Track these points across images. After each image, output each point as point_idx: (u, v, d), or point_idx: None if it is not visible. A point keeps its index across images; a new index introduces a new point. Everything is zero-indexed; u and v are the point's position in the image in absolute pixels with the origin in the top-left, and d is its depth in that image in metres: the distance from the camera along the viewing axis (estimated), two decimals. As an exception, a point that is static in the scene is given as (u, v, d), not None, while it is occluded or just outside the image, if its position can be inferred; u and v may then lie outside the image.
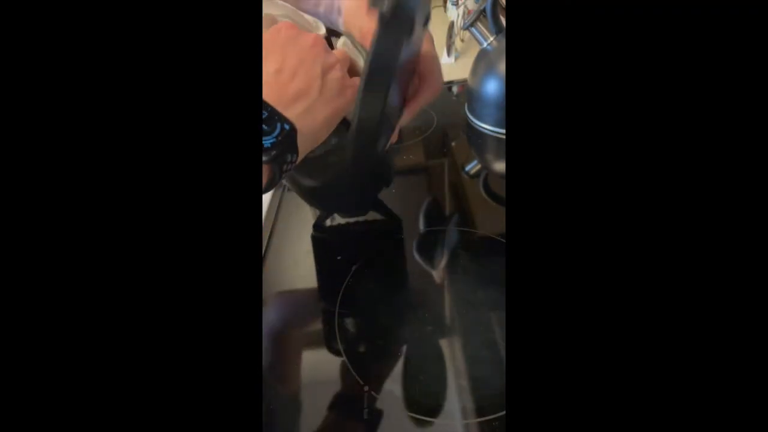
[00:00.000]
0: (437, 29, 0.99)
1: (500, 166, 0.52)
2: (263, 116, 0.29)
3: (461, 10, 0.91)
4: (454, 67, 0.93)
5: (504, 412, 0.34)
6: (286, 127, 0.30)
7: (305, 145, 0.33)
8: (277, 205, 0.60)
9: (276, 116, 0.30)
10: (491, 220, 0.54)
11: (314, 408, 0.37)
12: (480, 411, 0.35)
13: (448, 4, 1.02)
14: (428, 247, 0.52)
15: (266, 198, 0.59)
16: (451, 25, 0.91)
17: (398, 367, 0.36)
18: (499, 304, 0.43)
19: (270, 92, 0.31)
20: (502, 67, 0.46)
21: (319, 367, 0.40)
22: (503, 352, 0.38)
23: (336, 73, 0.34)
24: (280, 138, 0.30)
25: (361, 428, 0.35)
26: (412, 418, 0.35)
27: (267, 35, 0.33)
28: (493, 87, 0.47)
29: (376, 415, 0.35)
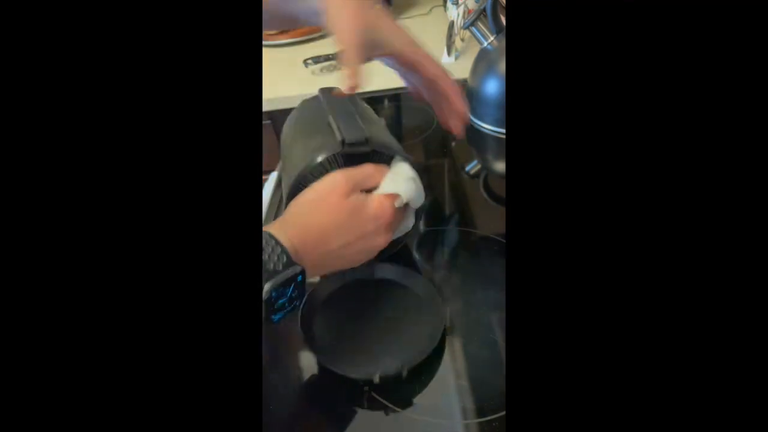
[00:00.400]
0: (437, 29, 0.99)
1: (500, 166, 0.52)
2: (294, 293, 0.32)
3: (461, 9, 0.91)
4: (454, 67, 0.92)
5: (504, 412, 0.34)
6: (298, 305, 0.33)
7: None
8: (276, 207, 0.60)
9: (301, 297, 0.33)
10: (491, 220, 0.54)
11: (314, 408, 0.37)
12: (480, 411, 0.35)
13: (448, 4, 1.02)
14: (428, 247, 0.52)
15: (266, 198, 0.59)
16: (451, 25, 0.91)
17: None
18: (499, 305, 0.43)
19: (324, 262, 0.35)
20: (502, 66, 0.46)
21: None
22: (503, 353, 0.38)
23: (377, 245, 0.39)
24: (286, 312, 0.32)
25: (361, 428, 0.35)
26: (413, 418, 0.35)
27: (375, 215, 0.36)
28: (493, 87, 0.47)
29: (376, 415, 0.35)
